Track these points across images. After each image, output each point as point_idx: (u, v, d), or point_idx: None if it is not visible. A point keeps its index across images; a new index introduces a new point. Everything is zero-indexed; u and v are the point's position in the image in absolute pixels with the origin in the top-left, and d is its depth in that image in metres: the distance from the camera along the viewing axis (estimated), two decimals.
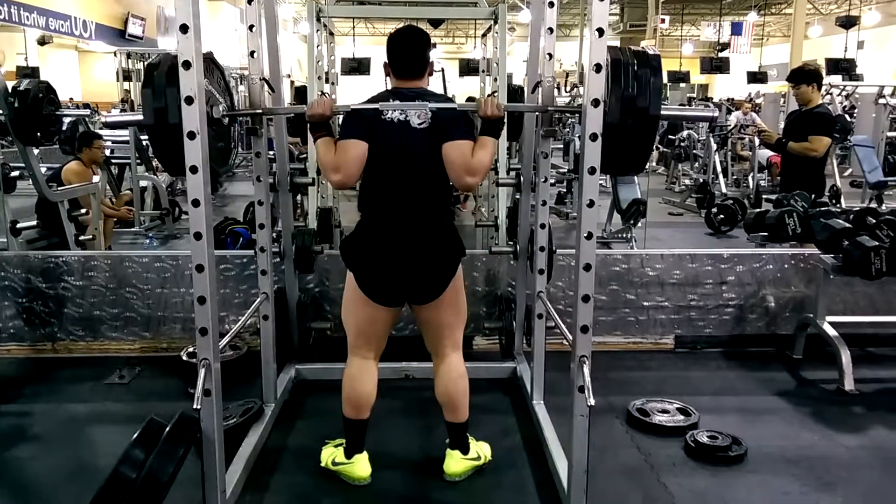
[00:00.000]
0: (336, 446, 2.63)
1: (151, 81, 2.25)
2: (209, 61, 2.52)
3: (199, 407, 2.07)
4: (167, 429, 2.06)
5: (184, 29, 1.92)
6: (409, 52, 2.46)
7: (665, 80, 17.74)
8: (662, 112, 2.18)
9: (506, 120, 2.68)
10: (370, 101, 2.42)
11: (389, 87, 2.50)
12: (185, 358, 3.46)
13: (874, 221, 3.56)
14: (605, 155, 2.02)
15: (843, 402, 3.28)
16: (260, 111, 2.74)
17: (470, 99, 4.21)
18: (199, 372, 2.09)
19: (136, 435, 2.03)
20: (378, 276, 2.42)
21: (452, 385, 2.53)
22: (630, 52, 2.20)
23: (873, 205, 7.37)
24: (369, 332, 2.51)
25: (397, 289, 2.44)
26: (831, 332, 3.50)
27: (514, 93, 5.37)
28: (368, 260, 2.42)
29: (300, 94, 7.97)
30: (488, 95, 4.68)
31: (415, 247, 2.38)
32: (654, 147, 12.94)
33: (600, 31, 1.98)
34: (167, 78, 2.19)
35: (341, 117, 2.50)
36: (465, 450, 2.58)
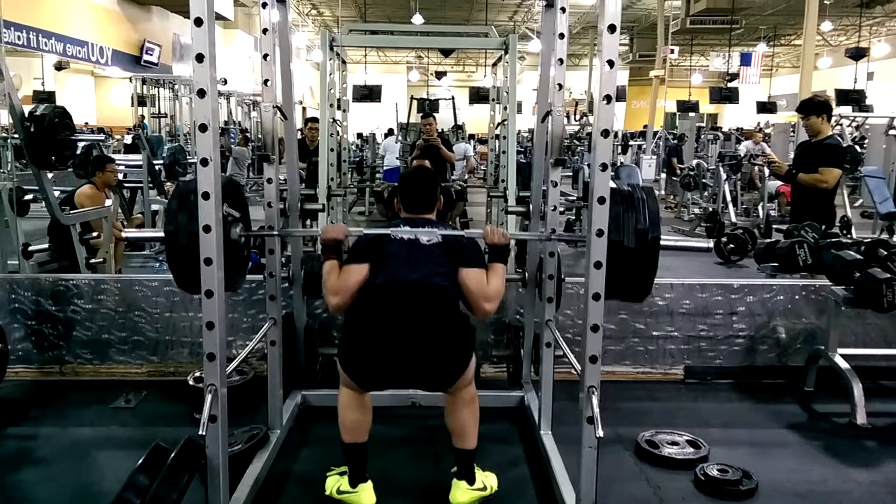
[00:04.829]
0: (341, 474, 2.61)
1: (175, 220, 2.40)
2: (234, 184, 2.65)
3: (204, 433, 2.06)
4: (172, 455, 2.05)
5: (199, 58, 1.95)
6: (419, 190, 2.65)
7: (675, 109, 17.86)
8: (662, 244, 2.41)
9: (512, 245, 2.83)
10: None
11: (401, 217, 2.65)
12: (191, 382, 3.45)
13: (885, 253, 3.53)
14: (611, 283, 2.16)
15: (856, 436, 3.23)
16: (276, 233, 2.85)
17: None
18: (205, 397, 2.08)
19: (140, 460, 2.03)
20: (382, 378, 2.48)
21: (462, 409, 2.53)
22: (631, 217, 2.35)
23: (884, 236, 7.33)
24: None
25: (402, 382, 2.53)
26: (843, 364, 3.46)
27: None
28: (370, 364, 2.43)
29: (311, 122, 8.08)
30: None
31: (420, 345, 2.39)
32: (662, 171, 13.03)
33: (611, 63, 2.01)
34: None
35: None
36: (471, 480, 2.55)
